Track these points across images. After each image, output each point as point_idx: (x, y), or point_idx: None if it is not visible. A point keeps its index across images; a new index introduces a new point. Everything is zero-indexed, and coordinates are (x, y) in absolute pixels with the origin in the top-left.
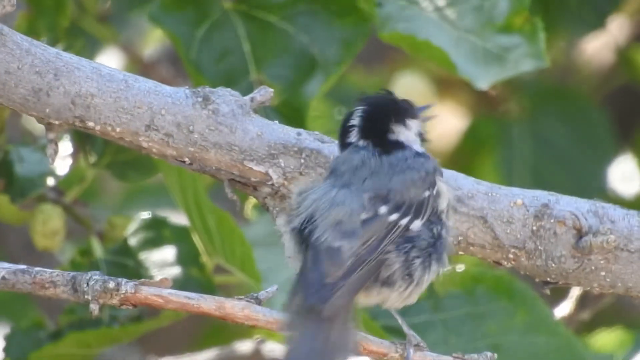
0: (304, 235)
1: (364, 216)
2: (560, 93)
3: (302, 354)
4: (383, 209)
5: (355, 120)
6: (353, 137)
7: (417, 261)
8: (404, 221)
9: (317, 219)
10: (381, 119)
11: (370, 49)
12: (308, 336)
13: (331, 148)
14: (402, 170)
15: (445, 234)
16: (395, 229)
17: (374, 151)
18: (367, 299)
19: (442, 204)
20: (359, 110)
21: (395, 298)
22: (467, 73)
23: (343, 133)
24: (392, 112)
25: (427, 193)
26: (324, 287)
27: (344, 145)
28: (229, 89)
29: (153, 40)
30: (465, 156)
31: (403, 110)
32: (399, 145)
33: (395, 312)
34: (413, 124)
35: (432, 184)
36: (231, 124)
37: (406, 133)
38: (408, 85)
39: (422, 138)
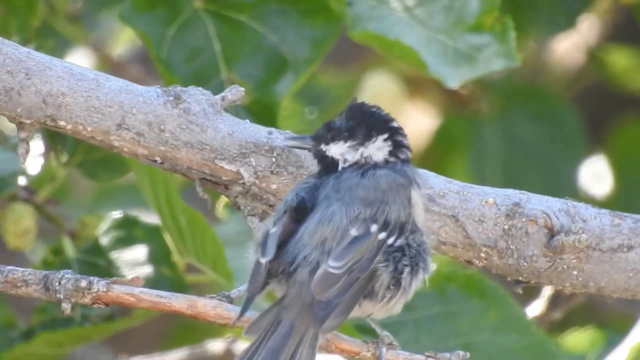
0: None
1: (354, 233)
2: (531, 92)
3: None
4: (374, 227)
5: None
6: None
7: (406, 270)
8: (391, 240)
9: (304, 235)
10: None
11: (341, 49)
12: (272, 349)
13: None
14: (390, 185)
15: (426, 240)
16: (383, 247)
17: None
18: (353, 313)
19: (419, 215)
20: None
21: (379, 310)
22: (438, 72)
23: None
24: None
25: (409, 210)
26: (317, 306)
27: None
28: (200, 88)
29: (123, 40)
30: (436, 155)
31: (384, 120)
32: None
33: (367, 318)
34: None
35: (410, 199)
36: (202, 123)
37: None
38: (378, 85)
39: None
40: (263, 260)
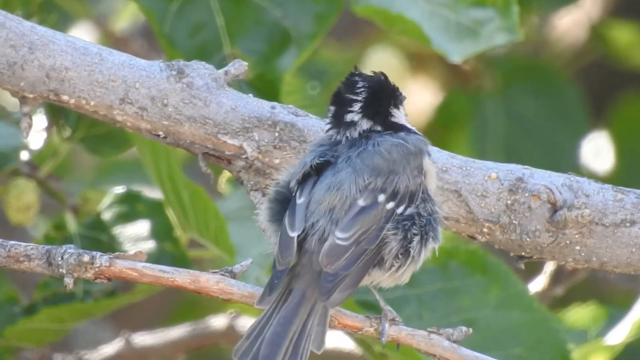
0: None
1: (362, 203)
2: (533, 68)
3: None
4: (382, 197)
5: (357, 96)
6: (354, 115)
7: (416, 239)
8: (400, 209)
9: (312, 202)
10: (382, 100)
11: (343, 24)
12: (283, 324)
13: (306, 121)
14: (401, 155)
15: (439, 211)
16: (392, 217)
17: (374, 133)
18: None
19: (432, 184)
20: (359, 86)
21: (387, 278)
22: (441, 47)
23: (340, 107)
24: (391, 94)
25: (419, 180)
26: (323, 277)
27: (339, 122)
28: (203, 63)
29: (126, 15)
30: (438, 131)
31: (397, 95)
32: (399, 127)
33: (372, 287)
34: (402, 108)
35: (421, 168)
36: (205, 97)
37: (401, 116)
38: (381, 60)
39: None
40: (293, 235)
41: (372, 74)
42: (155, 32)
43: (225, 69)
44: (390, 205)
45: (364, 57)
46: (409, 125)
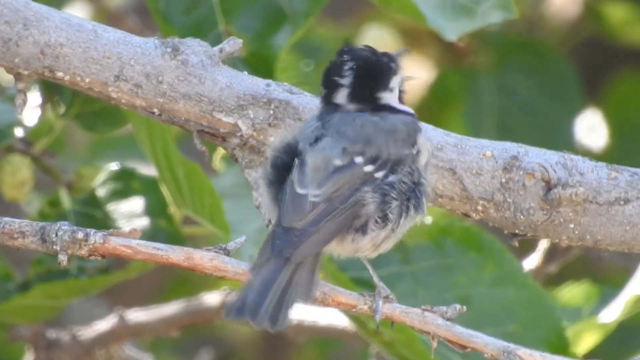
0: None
1: (337, 163)
2: (527, 45)
3: (261, 290)
4: (359, 159)
5: (343, 79)
6: (341, 98)
7: (395, 203)
8: (380, 174)
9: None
10: (369, 83)
11: (338, 1)
12: (270, 274)
13: (300, 99)
14: (386, 128)
15: (425, 183)
16: (371, 180)
17: (361, 112)
18: (341, 248)
19: (422, 160)
20: (347, 68)
21: (367, 245)
22: (436, 24)
23: (328, 89)
24: (379, 76)
25: (407, 151)
26: (291, 232)
27: (328, 103)
28: (198, 40)
29: None
30: (432, 108)
31: (387, 71)
32: (385, 108)
33: (367, 263)
34: (395, 81)
35: (414, 143)
36: (200, 74)
37: (390, 95)
38: (375, 38)
39: (401, 91)
40: (303, 192)
41: (361, 51)
42: (150, 8)
43: (220, 46)
44: (369, 168)
45: (358, 34)
46: (399, 106)
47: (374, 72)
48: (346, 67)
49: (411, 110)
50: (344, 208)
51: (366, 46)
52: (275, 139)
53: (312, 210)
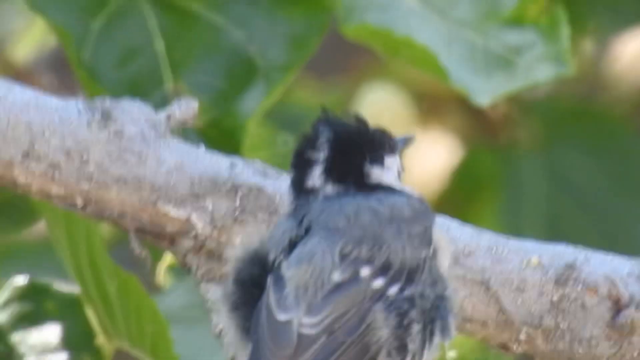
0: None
1: (336, 278)
2: (586, 116)
3: None
4: (366, 271)
5: (317, 154)
6: (315, 178)
7: (415, 328)
8: (394, 290)
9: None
10: (353, 156)
11: (328, 51)
12: None
13: (277, 185)
14: (390, 217)
15: (452, 295)
16: (380, 299)
17: (346, 194)
18: None
19: (444, 263)
20: (322, 140)
21: None
22: (463, 83)
23: (299, 170)
24: (367, 147)
25: (424, 253)
26: None
27: (300, 190)
28: (137, 102)
29: (30, 41)
30: (457, 199)
31: (379, 143)
32: (378, 188)
33: None
34: (392, 161)
35: (430, 239)
36: (140, 151)
37: (383, 172)
38: (380, 103)
39: (399, 174)
40: (285, 317)
41: (340, 120)
42: (71, 59)
43: (168, 111)
44: (379, 282)
45: (355, 98)
46: (398, 185)
47: (358, 142)
48: (322, 139)
49: (415, 192)
50: (352, 343)
51: (355, 115)
52: (237, 247)
53: (306, 347)
